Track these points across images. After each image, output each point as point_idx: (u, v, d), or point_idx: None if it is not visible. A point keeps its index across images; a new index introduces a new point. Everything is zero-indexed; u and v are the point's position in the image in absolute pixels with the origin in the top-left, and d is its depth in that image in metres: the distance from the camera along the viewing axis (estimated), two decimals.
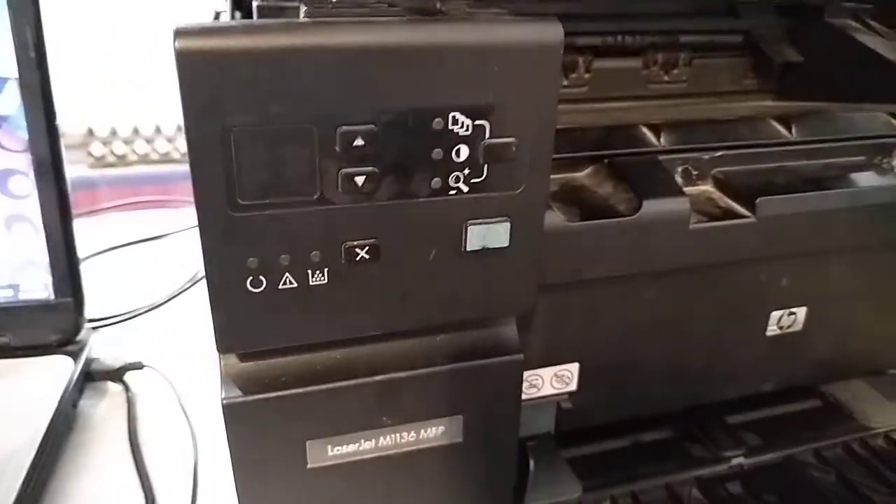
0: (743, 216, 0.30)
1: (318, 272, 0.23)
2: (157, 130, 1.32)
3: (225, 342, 0.23)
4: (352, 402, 0.25)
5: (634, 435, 0.41)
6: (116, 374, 0.47)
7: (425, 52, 0.20)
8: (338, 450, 0.26)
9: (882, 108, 0.36)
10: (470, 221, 0.23)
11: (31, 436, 0.39)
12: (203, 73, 0.19)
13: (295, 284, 0.22)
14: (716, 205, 0.31)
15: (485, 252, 0.24)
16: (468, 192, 0.23)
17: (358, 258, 0.23)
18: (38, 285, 0.46)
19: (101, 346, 0.49)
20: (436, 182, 0.22)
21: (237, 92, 0.19)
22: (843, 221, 0.31)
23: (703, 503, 0.38)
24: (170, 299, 0.57)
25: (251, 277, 0.22)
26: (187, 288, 0.59)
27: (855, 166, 0.34)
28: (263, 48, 0.19)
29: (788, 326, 0.35)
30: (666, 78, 0.36)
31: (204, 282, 0.54)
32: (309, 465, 0.26)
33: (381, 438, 0.27)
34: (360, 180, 0.21)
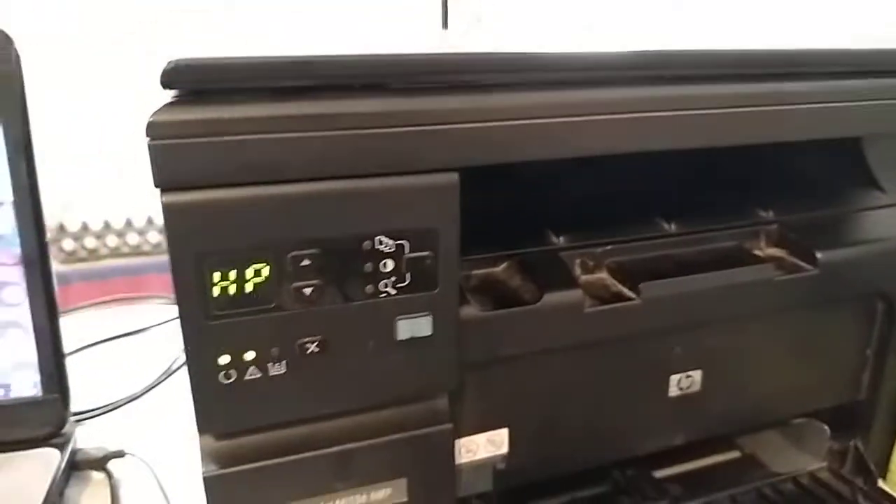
0: (630, 299, 0.36)
1: (277, 364, 0.28)
2: (128, 224, 1.37)
3: (203, 424, 0.28)
4: (310, 471, 0.31)
5: (571, 492, 0.46)
6: (99, 463, 0.51)
7: (353, 197, 0.27)
8: None
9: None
10: (399, 317, 0.29)
11: None
12: (183, 219, 0.25)
13: (259, 375, 0.28)
14: (609, 290, 0.37)
15: (413, 341, 0.30)
16: (396, 295, 0.29)
17: (309, 352, 0.28)
18: (28, 384, 0.51)
19: (85, 438, 0.53)
20: (369, 288, 0.29)
21: (210, 232, 0.26)
22: (715, 298, 0.38)
23: None
24: (147, 391, 0.62)
25: (223, 371, 0.28)
26: (163, 380, 0.63)
27: (726, 251, 0.41)
28: (231, 198, 0.26)
29: (688, 387, 0.41)
30: None
31: (177, 374, 0.60)
32: None
33: (338, 501, 0.32)
34: (307, 291, 0.28)
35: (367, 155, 0.27)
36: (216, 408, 0.28)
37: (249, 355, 0.28)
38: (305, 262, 0.27)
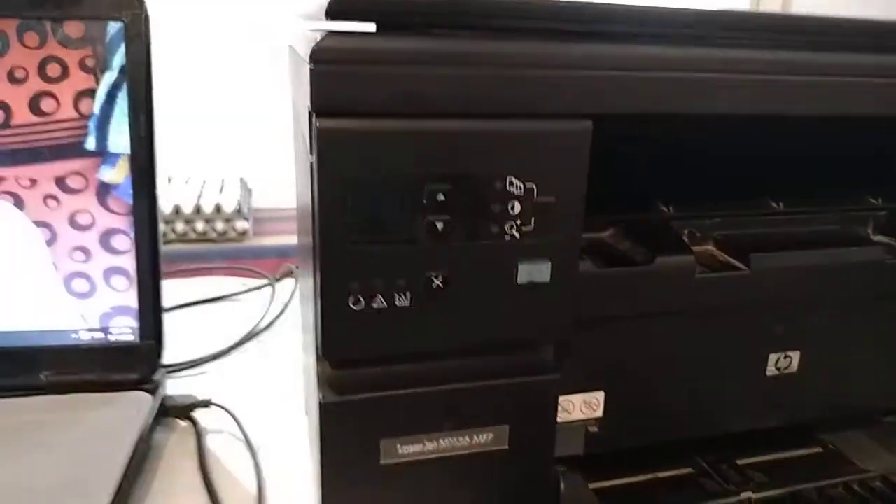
0: (739, 269, 0.36)
1: (402, 296, 0.29)
2: (217, 210, 1.41)
3: (328, 348, 0.29)
4: (422, 407, 0.31)
5: (654, 472, 0.46)
6: (186, 411, 0.53)
7: (490, 136, 0.28)
8: (406, 449, 0.32)
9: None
10: (520, 260, 0.30)
11: (119, 457, 0.45)
12: (334, 145, 0.26)
13: (385, 305, 0.29)
14: (717, 260, 0.37)
15: (531, 285, 0.31)
16: (519, 238, 0.30)
17: (434, 286, 0.29)
18: (126, 329, 0.53)
19: (171, 391, 0.55)
20: (495, 228, 0.29)
21: (358, 159, 0.27)
22: (824, 275, 0.37)
23: None
24: (230, 350, 0.64)
25: (353, 297, 0.29)
26: (245, 341, 0.65)
27: (834, 233, 0.40)
28: (380, 129, 0.27)
29: (785, 368, 0.40)
30: None
31: (257, 337, 0.61)
32: (381, 462, 0.32)
33: (442, 441, 0.32)
34: (439, 226, 0.28)
35: (507, 95, 0.27)
36: (341, 333, 0.29)
37: (379, 284, 0.29)
38: (440, 197, 0.28)
